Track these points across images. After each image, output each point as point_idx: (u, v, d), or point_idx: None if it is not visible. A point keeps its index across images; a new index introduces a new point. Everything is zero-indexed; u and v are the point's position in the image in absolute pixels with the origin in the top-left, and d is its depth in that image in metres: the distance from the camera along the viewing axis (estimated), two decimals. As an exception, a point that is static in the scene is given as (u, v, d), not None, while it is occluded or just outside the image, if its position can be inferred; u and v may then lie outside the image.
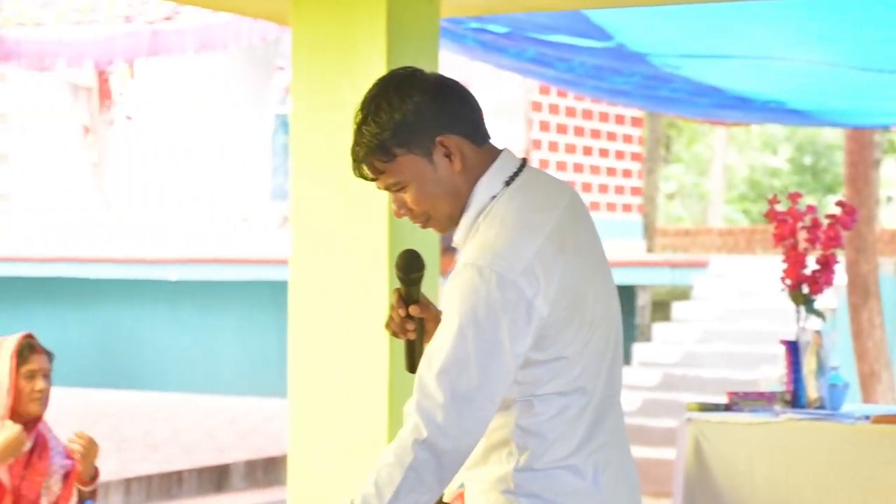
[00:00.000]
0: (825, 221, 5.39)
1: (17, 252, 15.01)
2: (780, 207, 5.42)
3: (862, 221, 10.16)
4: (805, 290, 5.34)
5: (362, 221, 5.17)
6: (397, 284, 2.81)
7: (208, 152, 15.35)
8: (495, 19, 6.30)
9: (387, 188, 2.71)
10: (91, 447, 4.61)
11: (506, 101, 13.96)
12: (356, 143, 2.68)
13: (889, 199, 29.45)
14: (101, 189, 15.82)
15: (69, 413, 11.75)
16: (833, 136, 28.34)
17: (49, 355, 4.72)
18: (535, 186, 2.72)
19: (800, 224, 5.39)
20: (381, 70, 5.07)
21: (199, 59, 13.57)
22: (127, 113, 15.53)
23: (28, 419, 4.66)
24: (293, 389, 5.32)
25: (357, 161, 2.70)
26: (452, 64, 13.57)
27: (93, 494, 4.77)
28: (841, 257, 6.90)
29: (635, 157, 16.34)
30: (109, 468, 8.99)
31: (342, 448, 5.18)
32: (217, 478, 9.53)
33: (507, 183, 2.70)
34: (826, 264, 5.35)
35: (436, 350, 2.60)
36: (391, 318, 2.80)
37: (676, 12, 6.05)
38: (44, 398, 4.63)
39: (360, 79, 5.12)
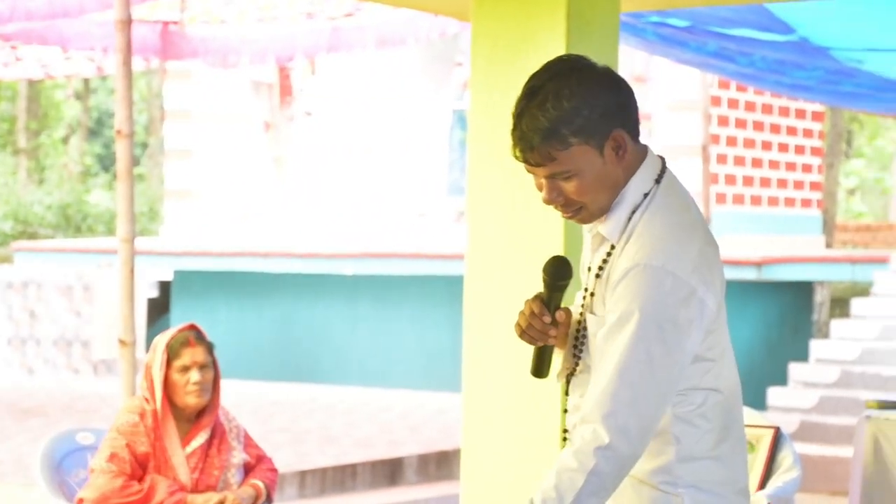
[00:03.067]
0: None
1: (199, 246, 15.34)
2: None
3: None
4: None
5: (538, 216, 5.16)
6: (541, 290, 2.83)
7: (386, 148, 15.49)
8: (676, 13, 6.24)
9: (551, 176, 2.70)
10: None
11: (684, 95, 13.83)
12: (529, 129, 2.66)
13: None
14: (281, 184, 16.10)
15: (247, 405, 11.97)
16: None
17: (209, 346, 4.74)
18: (677, 183, 2.77)
19: None
20: (559, 65, 5.04)
21: (378, 55, 13.71)
22: (307, 109, 15.78)
23: (192, 412, 4.70)
24: (467, 384, 5.33)
25: (528, 146, 2.67)
26: (631, 58, 13.48)
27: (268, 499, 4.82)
28: None
29: (815, 151, 16.02)
30: (285, 460, 9.14)
31: (515, 444, 5.17)
32: (390, 471, 9.61)
33: (657, 181, 2.74)
34: None
35: (615, 353, 2.62)
36: (530, 326, 2.80)
37: (861, 4, 5.91)
38: (201, 390, 4.64)
39: (538, 74, 5.10)
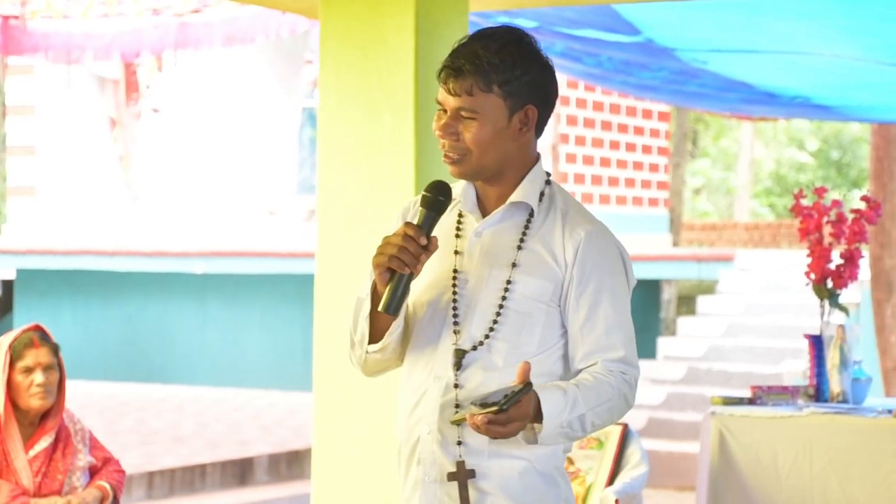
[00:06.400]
0: (850, 216, 5.38)
1: (43, 245, 15.07)
2: (805, 202, 5.41)
3: (886, 216, 10.10)
4: (829, 284, 5.33)
5: (388, 215, 5.16)
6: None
7: (235, 145, 15.38)
8: (524, 13, 6.30)
9: (458, 109, 2.80)
10: None
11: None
12: (465, 59, 2.78)
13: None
14: (128, 182, 15.87)
15: (94, 406, 11.80)
16: (859, 130, 28.22)
17: (54, 348, 4.69)
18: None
19: (825, 219, 5.38)
20: (409, 64, 5.07)
21: (226, 53, 13.60)
22: (154, 106, 15.57)
23: (35, 414, 4.64)
24: (318, 383, 5.32)
25: (457, 72, 2.78)
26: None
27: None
28: (865, 252, 6.88)
29: (662, 151, 16.30)
30: (134, 461, 9.03)
31: (366, 442, 5.18)
32: (240, 471, 9.55)
33: (547, 182, 2.93)
34: (850, 259, 5.34)
35: (615, 311, 2.95)
36: (404, 250, 2.78)
37: (705, 6, 6.04)
38: (45, 392, 4.59)
39: (388, 73, 5.12)
